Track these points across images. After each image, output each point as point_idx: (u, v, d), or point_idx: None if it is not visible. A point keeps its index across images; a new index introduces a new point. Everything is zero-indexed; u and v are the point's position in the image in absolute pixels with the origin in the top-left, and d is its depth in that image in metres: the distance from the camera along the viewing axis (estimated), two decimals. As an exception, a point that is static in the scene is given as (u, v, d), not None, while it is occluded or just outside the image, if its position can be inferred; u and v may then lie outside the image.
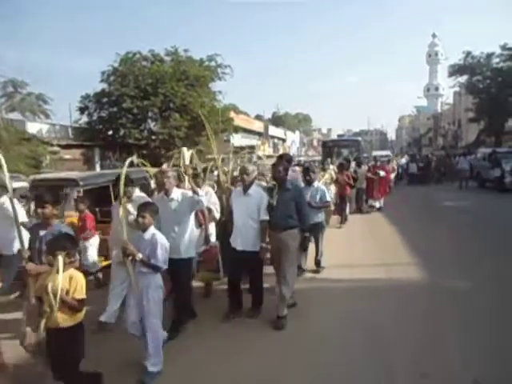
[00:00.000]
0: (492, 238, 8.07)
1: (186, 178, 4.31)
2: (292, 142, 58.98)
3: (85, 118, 21.02)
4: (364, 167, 12.65)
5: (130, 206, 4.26)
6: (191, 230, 4.20)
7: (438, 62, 76.17)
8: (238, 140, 32.40)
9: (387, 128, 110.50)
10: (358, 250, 7.49)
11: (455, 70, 30.64)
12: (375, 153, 28.78)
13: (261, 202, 4.35)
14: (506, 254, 6.72)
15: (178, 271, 3.97)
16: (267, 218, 4.33)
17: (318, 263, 6.24)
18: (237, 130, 27.21)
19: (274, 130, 51.06)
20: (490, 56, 28.69)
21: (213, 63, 21.58)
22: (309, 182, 6.14)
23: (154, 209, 3.53)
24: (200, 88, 20.53)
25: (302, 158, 30.42)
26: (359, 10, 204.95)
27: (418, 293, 5.11)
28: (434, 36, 78.40)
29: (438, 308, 4.65)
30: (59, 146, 19.58)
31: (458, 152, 29.09)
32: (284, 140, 54.96)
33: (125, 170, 3.79)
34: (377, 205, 12.16)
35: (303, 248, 4.87)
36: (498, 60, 28.44)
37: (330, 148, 20.27)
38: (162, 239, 3.42)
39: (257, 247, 4.34)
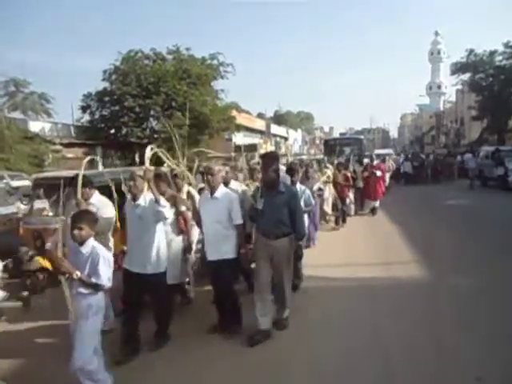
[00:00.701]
0: (494, 237, 8.04)
1: (146, 182, 3.68)
2: (294, 140, 58.93)
3: (87, 117, 21.06)
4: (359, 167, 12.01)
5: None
6: (160, 241, 3.79)
7: (440, 60, 76.00)
8: (240, 139, 32.40)
9: (389, 126, 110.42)
10: (358, 249, 7.48)
11: (458, 68, 30.57)
12: (377, 151, 28.74)
13: (230, 206, 3.93)
14: (508, 254, 6.69)
15: (149, 288, 3.74)
16: (241, 221, 3.96)
17: (297, 275, 5.47)
18: (239, 128, 27.18)
19: (276, 129, 51.00)
20: (492, 54, 28.60)
21: (215, 61, 21.56)
22: (292, 183, 5.48)
23: (93, 218, 3.09)
24: (202, 86, 20.52)
25: (304, 157, 30.38)
26: (362, 8, 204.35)
27: (420, 291, 5.11)
28: (436, 34, 78.20)
29: (439, 306, 4.64)
30: (61, 144, 19.65)
31: (461, 150, 28.99)
32: (286, 138, 54.90)
33: (82, 169, 3.65)
34: (375, 205, 11.46)
35: (296, 258, 4.37)
36: (500, 58, 28.36)
37: (332, 146, 20.24)
38: (104, 252, 3.01)
39: (230, 254, 3.94)
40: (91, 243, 3.00)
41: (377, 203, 11.51)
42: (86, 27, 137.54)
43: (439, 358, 3.48)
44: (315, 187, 6.93)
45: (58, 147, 19.15)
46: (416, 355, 3.55)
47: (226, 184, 4.65)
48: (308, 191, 5.68)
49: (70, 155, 20.12)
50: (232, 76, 22.05)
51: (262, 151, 34.31)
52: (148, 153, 3.79)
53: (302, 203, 5.14)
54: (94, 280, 2.88)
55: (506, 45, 27.29)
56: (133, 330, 3.73)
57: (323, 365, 3.48)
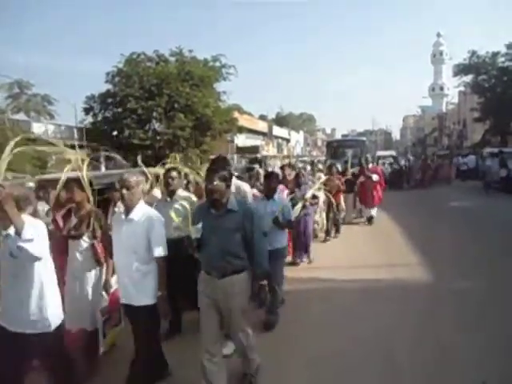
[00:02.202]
0: (495, 239, 8.00)
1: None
2: (296, 142, 58.91)
3: (90, 119, 21.14)
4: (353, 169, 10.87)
5: None
6: (43, 287, 2.60)
7: (442, 62, 75.92)
8: (242, 140, 32.46)
9: (392, 128, 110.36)
10: (359, 253, 7.48)
11: (460, 70, 30.55)
12: (379, 153, 28.68)
13: (150, 230, 2.96)
14: (509, 256, 6.66)
15: (25, 351, 2.60)
16: (163, 253, 3.00)
17: (270, 310, 4.33)
18: (241, 130, 27.19)
19: (278, 130, 51.00)
20: (495, 55, 28.57)
21: (217, 63, 21.59)
22: (268, 195, 4.48)
23: None
24: (204, 88, 20.55)
25: (305, 158, 30.40)
26: (363, 9, 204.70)
27: (423, 293, 5.10)
28: (438, 36, 78.19)
29: (441, 308, 4.64)
30: (64, 146, 19.70)
31: (464, 152, 28.90)
32: (288, 140, 54.89)
33: None
34: (372, 213, 10.44)
35: (257, 302, 3.29)
36: (503, 59, 28.31)
37: (334, 148, 20.17)
38: None
39: (148, 299, 2.98)
40: None
41: (374, 211, 10.53)
42: (86, 28, 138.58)
43: (441, 359, 3.48)
44: (308, 194, 6.05)
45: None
46: (418, 356, 3.55)
47: (173, 192, 4.03)
48: (288, 204, 4.70)
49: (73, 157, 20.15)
50: (234, 78, 22.08)
51: (265, 153, 34.36)
52: (6, 152, 2.75)
53: (280, 218, 4.34)
54: None
55: (509, 46, 27.24)
56: None
57: (323, 365, 3.48)
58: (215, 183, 2.82)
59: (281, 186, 5.63)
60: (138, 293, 2.99)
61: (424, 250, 7.18)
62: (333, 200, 7.84)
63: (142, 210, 3.04)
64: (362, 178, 10.40)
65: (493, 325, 4.09)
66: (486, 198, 14.64)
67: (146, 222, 2.99)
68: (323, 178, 8.31)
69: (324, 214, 8.60)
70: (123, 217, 3.06)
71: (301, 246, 6.64)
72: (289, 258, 6.14)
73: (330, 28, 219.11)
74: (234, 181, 4.09)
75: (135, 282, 2.99)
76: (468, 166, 22.46)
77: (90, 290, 3.49)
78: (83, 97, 21.43)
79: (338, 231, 8.96)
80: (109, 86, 20.50)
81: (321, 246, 7.79)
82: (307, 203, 5.94)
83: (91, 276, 3.50)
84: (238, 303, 2.91)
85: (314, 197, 6.44)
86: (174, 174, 4.12)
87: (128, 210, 3.03)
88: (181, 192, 4.16)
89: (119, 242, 3.06)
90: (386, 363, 3.47)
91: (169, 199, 4.07)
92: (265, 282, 3.13)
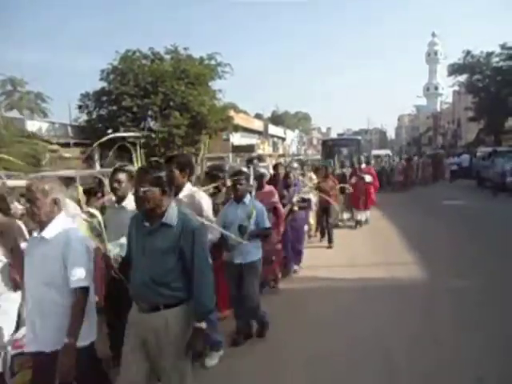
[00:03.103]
0: (491, 239, 8.03)
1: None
2: (292, 140, 58.96)
3: (84, 117, 21.02)
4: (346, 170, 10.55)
5: None
6: None
7: (437, 62, 76.29)
8: (237, 139, 32.40)
9: (387, 127, 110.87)
10: (356, 252, 7.48)
11: (455, 69, 30.69)
12: (375, 152, 28.76)
13: (66, 253, 2.24)
14: (506, 255, 6.69)
15: None
16: (84, 283, 2.24)
17: (260, 327, 4.04)
18: (237, 128, 27.14)
19: (273, 129, 50.95)
20: (489, 55, 28.71)
21: (213, 62, 21.52)
22: (237, 198, 3.84)
23: None
24: (200, 86, 20.48)
25: (301, 157, 30.40)
26: (360, 10, 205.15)
27: (420, 292, 5.11)
28: (433, 35, 78.52)
29: (440, 307, 4.64)
30: (58, 144, 19.54)
31: (458, 151, 29.03)
32: (284, 139, 54.90)
33: None
34: (363, 217, 9.96)
35: (194, 352, 2.35)
36: (497, 59, 28.47)
37: (330, 147, 20.19)
38: None
39: (59, 343, 2.15)
40: None
41: (367, 214, 10.06)
42: (82, 27, 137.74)
43: (438, 358, 3.47)
44: (295, 198, 5.62)
45: (55, 147, 19.03)
46: (415, 355, 3.55)
47: (122, 198, 3.34)
48: (263, 208, 3.93)
49: (67, 155, 20.01)
50: (230, 76, 22.03)
51: (260, 151, 34.32)
52: None
53: (253, 226, 3.74)
54: None
55: (503, 46, 27.39)
56: None
57: (321, 365, 3.46)
58: (144, 189, 2.18)
59: (271, 190, 5.06)
60: (55, 334, 2.18)
61: (421, 249, 7.20)
62: (332, 202, 7.34)
63: (59, 227, 2.30)
64: (353, 179, 9.90)
65: (490, 323, 4.10)
66: (482, 198, 14.70)
67: (62, 242, 2.26)
68: (314, 177, 8.01)
69: (315, 217, 8.25)
70: (36, 234, 2.36)
71: (293, 251, 5.98)
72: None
73: (327, 28, 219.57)
74: (189, 187, 3.38)
75: (49, 321, 2.21)
76: (461, 165, 22.54)
77: (4, 320, 2.84)
78: (78, 95, 21.31)
79: (330, 240, 7.89)
80: (103, 84, 20.40)
81: (318, 246, 7.77)
82: (295, 207, 5.57)
83: (7, 302, 2.88)
84: (172, 346, 2.18)
85: (304, 200, 5.95)
86: (122, 176, 3.35)
87: (41, 226, 2.32)
88: (131, 197, 3.20)
89: (30, 267, 2.32)
90: (384, 362, 3.47)
91: (117, 205, 3.36)
92: (204, 325, 2.23)
